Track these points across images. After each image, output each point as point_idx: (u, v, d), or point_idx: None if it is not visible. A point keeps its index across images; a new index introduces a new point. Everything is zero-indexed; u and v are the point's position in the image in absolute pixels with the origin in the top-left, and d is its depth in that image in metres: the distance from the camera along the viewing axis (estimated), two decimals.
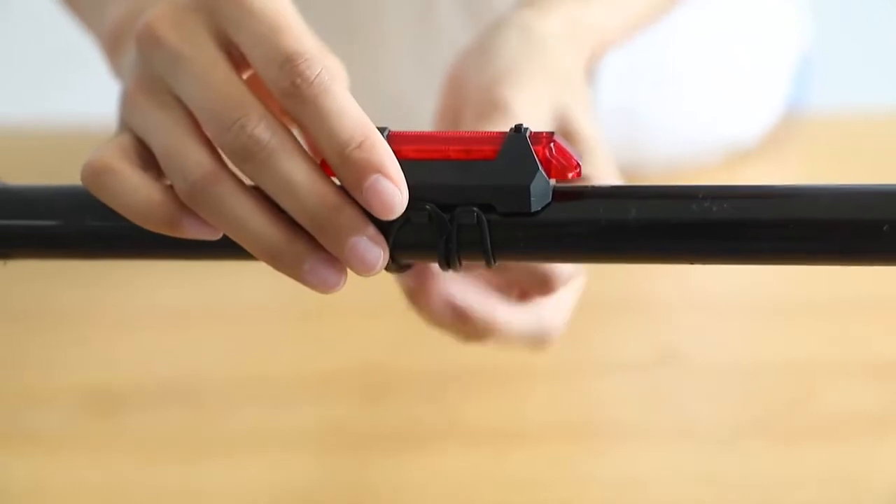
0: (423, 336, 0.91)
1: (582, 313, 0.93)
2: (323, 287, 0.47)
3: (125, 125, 0.51)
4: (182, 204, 0.47)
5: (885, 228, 0.46)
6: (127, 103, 0.50)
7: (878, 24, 2.36)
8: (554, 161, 0.47)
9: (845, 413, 0.84)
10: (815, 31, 1.22)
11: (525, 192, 0.47)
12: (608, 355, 0.90)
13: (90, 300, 0.97)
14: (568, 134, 0.62)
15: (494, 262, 0.48)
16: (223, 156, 0.47)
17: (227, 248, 0.48)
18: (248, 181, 0.47)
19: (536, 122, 0.60)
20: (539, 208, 0.47)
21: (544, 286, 0.61)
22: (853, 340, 0.91)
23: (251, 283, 0.96)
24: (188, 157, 0.46)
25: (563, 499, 0.77)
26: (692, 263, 0.50)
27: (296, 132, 0.47)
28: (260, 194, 0.47)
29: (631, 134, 1.09)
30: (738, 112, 1.14)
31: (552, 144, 0.47)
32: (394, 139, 0.47)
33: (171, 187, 0.47)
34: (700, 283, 0.97)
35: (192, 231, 0.47)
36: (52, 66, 2.37)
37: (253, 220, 0.46)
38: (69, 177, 0.52)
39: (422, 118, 0.69)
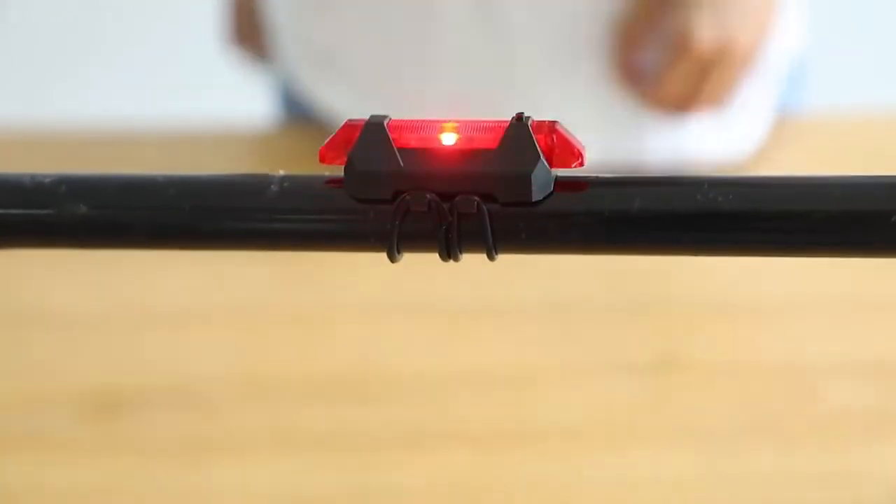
0: (423, 337, 0.91)
1: (583, 314, 0.94)
2: None
3: None
4: None
5: (893, 220, 0.45)
6: None
7: (874, 25, 2.36)
8: (556, 150, 0.47)
9: (845, 413, 0.84)
10: (810, 33, 1.22)
11: (526, 181, 0.46)
12: (609, 357, 0.89)
13: (90, 301, 0.97)
14: None
15: (496, 252, 0.47)
16: None
17: (221, 238, 0.47)
18: None
19: None
20: (541, 198, 0.46)
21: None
22: (853, 340, 0.91)
23: (251, 283, 0.96)
24: None
25: (564, 500, 0.77)
26: (697, 255, 0.49)
27: None
28: None
29: (623, 142, 1.09)
30: (733, 116, 1.14)
31: (554, 133, 0.47)
32: (393, 127, 0.47)
33: None
34: (701, 284, 0.97)
35: None
36: (52, 67, 2.37)
37: None
38: None
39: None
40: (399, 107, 1.05)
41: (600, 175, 0.48)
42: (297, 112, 1.20)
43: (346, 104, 1.11)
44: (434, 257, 0.48)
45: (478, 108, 1.07)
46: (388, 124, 0.47)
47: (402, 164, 0.47)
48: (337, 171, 0.48)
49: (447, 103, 1.05)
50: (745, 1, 1.04)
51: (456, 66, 1.07)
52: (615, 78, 1.07)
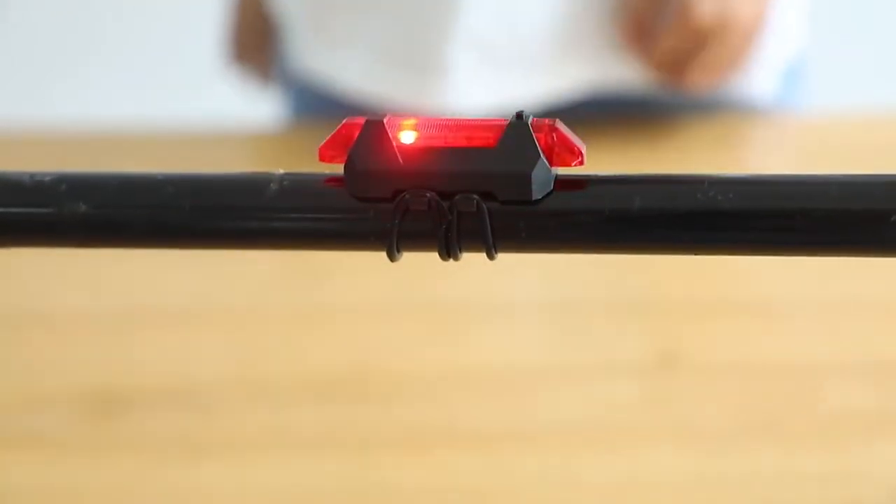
0: (423, 337, 0.91)
1: (583, 314, 0.93)
2: None
3: None
4: None
5: (893, 219, 0.45)
6: None
7: (874, 25, 2.36)
8: (556, 149, 0.47)
9: (845, 413, 0.84)
10: (810, 33, 1.22)
11: (526, 180, 0.46)
12: (609, 356, 0.89)
13: (90, 301, 0.97)
14: None
15: (496, 251, 0.47)
16: None
17: (221, 237, 0.47)
18: None
19: None
20: (541, 196, 0.46)
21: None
22: (853, 340, 0.90)
23: (251, 283, 0.96)
24: None
25: (564, 500, 0.77)
26: (698, 254, 0.49)
27: None
28: None
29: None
30: None
31: (554, 132, 0.47)
32: (393, 126, 0.47)
33: None
34: (701, 283, 0.97)
35: None
36: (52, 67, 2.37)
37: None
38: None
39: None
40: (423, 71, 1.05)
41: (600, 174, 0.48)
42: (312, 112, 1.20)
43: (369, 76, 1.09)
44: (434, 256, 0.48)
45: (490, 69, 1.06)
46: (387, 122, 0.47)
47: (401, 162, 0.47)
48: (337, 169, 0.48)
49: (465, 65, 1.04)
50: None
51: (470, 24, 1.06)
52: (617, 35, 1.08)
